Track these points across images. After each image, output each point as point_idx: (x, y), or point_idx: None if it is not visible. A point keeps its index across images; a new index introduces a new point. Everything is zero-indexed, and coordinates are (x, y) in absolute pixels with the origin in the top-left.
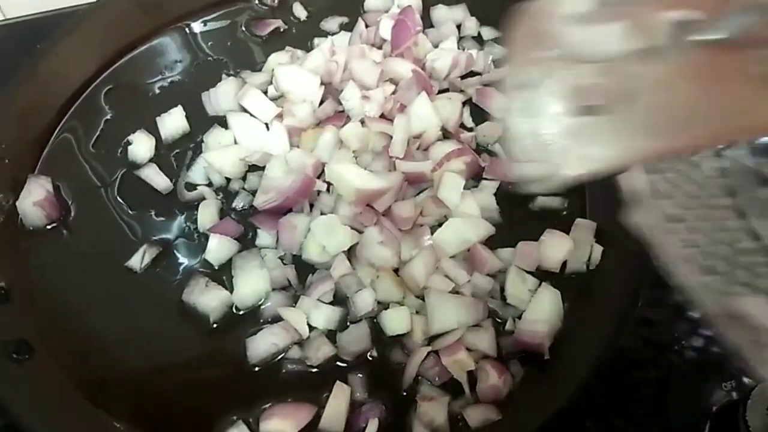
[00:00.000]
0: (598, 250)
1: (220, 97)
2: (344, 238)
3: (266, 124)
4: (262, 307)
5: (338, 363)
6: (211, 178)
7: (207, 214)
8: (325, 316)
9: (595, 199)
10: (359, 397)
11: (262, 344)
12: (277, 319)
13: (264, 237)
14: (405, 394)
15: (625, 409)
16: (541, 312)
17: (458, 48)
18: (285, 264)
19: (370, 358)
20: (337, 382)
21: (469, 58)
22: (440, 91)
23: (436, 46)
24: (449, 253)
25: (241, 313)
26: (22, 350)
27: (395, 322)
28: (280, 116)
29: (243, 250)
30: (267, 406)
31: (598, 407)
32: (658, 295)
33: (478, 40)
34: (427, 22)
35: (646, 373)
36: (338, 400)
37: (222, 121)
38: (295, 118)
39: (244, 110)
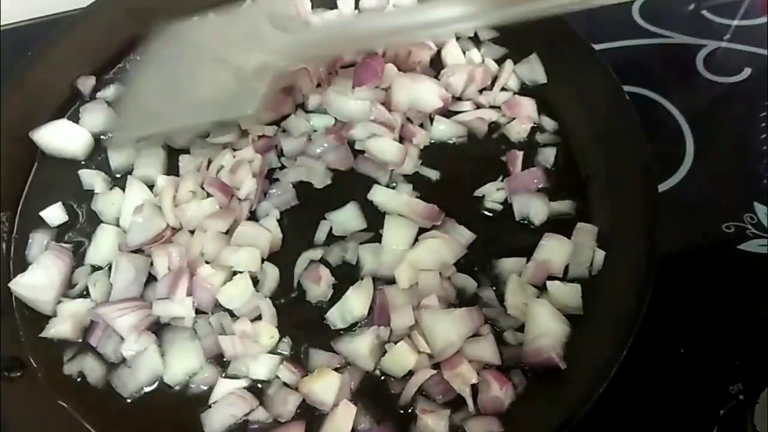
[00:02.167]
0: (600, 255)
1: None
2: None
3: None
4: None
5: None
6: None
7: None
8: (266, 367)
9: (597, 202)
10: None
11: (219, 417)
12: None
13: None
14: (402, 412)
15: (631, 414)
16: (538, 327)
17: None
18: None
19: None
20: (344, 400)
21: (486, 72)
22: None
23: (438, 47)
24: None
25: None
26: (14, 368)
27: (401, 360)
28: None
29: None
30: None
31: (603, 414)
32: (662, 299)
33: (475, 40)
34: None
35: (652, 377)
36: (342, 418)
37: None
38: None
39: None
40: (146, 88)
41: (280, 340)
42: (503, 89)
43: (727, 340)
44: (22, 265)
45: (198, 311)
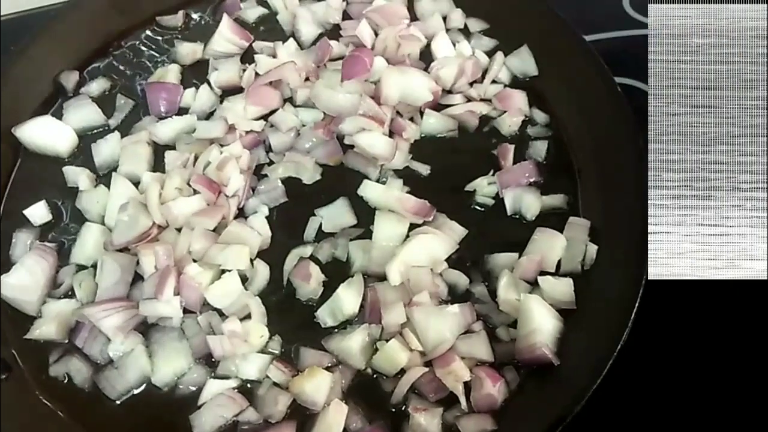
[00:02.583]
0: (593, 249)
1: None
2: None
3: None
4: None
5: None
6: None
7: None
8: (256, 366)
9: (590, 196)
10: (356, 419)
11: (208, 419)
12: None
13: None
14: (394, 410)
15: (625, 410)
16: (530, 323)
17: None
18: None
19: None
20: (335, 400)
21: (476, 64)
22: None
23: (428, 39)
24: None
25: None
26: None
27: (393, 358)
28: None
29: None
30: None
31: (597, 409)
32: (654, 294)
33: (465, 32)
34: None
35: (646, 373)
36: (334, 417)
37: None
38: None
39: None
40: None
41: (269, 339)
42: (494, 82)
43: (722, 335)
44: (6, 265)
45: (186, 311)
